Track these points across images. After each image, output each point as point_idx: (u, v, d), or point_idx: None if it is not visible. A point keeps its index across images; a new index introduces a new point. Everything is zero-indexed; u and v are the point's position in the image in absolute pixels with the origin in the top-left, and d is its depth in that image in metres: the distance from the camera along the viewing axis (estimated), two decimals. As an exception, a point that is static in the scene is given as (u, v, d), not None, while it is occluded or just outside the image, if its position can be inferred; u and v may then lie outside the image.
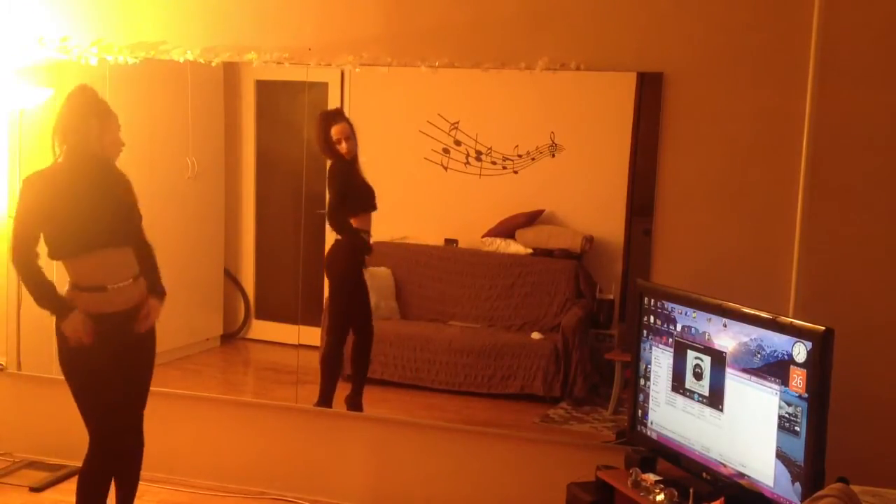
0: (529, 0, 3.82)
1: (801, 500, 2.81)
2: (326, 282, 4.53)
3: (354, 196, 4.42)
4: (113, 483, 3.56)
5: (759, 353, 3.03)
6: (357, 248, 4.44)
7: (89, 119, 3.30)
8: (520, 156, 4.24)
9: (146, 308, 3.44)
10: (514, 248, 4.39)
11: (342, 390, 4.39)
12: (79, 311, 3.28)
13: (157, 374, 3.59)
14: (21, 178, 3.34)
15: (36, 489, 4.24)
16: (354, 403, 4.36)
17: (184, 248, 4.73)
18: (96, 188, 3.33)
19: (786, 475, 2.92)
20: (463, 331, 4.45)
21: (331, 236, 4.42)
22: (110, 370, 3.38)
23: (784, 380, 2.93)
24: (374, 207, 4.41)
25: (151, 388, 3.57)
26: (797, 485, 2.88)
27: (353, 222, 4.41)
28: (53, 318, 3.34)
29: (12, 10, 4.43)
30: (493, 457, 4.04)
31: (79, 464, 3.45)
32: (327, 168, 4.45)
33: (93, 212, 3.30)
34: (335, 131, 4.35)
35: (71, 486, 3.51)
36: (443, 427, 4.14)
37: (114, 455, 3.44)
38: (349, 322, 4.48)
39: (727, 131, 3.65)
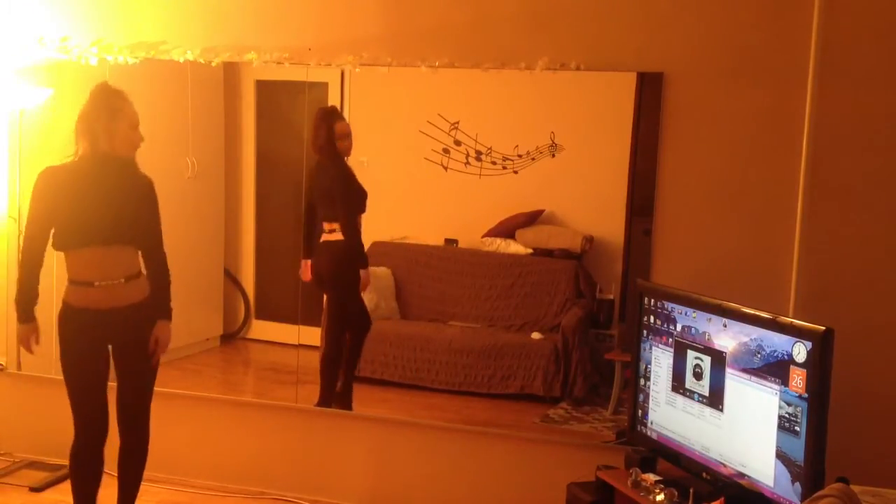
0: (529, 0, 3.82)
1: (801, 500, 2.81)
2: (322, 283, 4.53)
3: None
4: (116, 482, 3.58)
5: (759, 353, 3.03)
6: (357, 251, 4.43)
7: (98, 115, 3.33)
8: (520, 156, 4.24)
9: (153, 340, 3.45)
10: (514, 248, 4.39)
11: (342, 390, 4.41)
12: (36, 324, 3.44)
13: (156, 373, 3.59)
14: (21, 177, 3.37)
15: (36, 489, 4.24)
16: (343, 403, 4.35)
17: (184, 248, 4.69)
18: (100, 185, 3.34)
19: (786, 475, 2.92)
20: (463, 331, 4.45)
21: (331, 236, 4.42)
22: (99, 367, 3.39)
23: (784, 380, 2.93)
24: (364, 209, 4.39)
25: (151, 388, 3.58)
26: (797, 485, 2.88)
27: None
28: (55, 318, 3.42)
29: (12, 10, 4.43)
30: (493, 457, 4.04)
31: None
32: (316, 166, 4.37)
33: (94, 208, 3.32)
34: (339, 128, 4.32)
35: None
36: (443, 427, 4.14)
37: (92, 450, 3.44)
38: (348, 322, 4.48)
39: (727, 131, 3.65)
